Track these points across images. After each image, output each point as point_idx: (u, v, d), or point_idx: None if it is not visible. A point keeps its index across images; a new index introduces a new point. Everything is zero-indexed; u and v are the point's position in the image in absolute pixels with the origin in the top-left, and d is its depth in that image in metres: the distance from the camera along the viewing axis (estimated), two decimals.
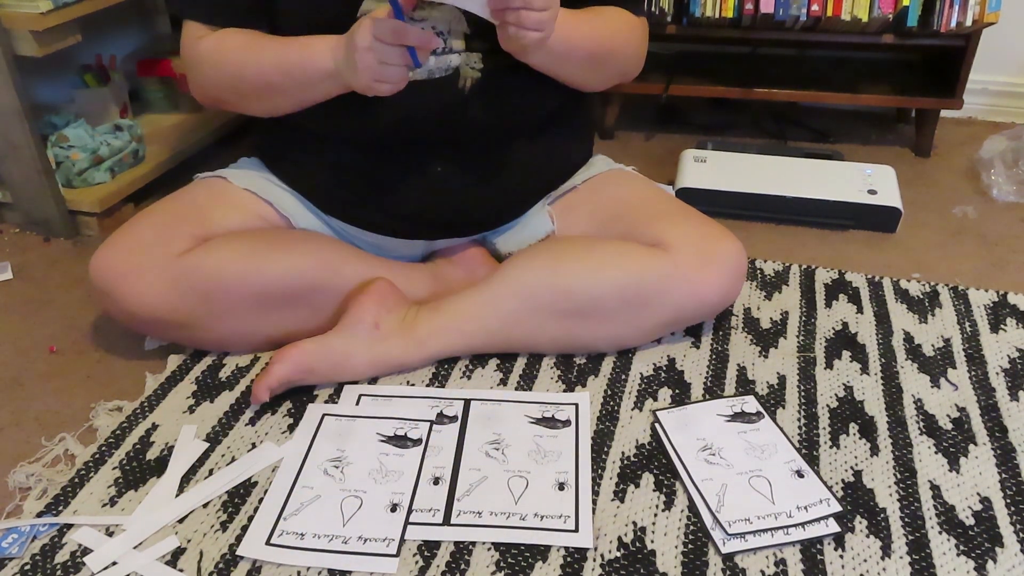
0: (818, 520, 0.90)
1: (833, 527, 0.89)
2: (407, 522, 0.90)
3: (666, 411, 1.05)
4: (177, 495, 0.94)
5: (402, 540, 0.88)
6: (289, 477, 0.96)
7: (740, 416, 1.04)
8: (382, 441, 1.01)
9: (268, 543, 0.88)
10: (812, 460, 0.98)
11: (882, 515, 0.91)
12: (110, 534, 0.89)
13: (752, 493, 0.93)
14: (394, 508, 0.92)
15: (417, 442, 1.01)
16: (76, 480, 0.96)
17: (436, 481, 0.95)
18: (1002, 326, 1.23)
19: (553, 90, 1.14)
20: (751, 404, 1.06)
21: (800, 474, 0.95)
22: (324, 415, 1.05)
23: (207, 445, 1.01)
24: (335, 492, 0.94)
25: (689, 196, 1.49)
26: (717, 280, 1.12)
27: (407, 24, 0.92)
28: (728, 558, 0.86)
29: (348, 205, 1.17)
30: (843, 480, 0.96)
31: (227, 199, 1.16)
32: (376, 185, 1.13)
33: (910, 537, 0.89)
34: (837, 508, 0.91)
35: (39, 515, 0.92)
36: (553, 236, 1.21)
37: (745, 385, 1.11)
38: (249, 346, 1.15)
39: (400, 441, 1.01)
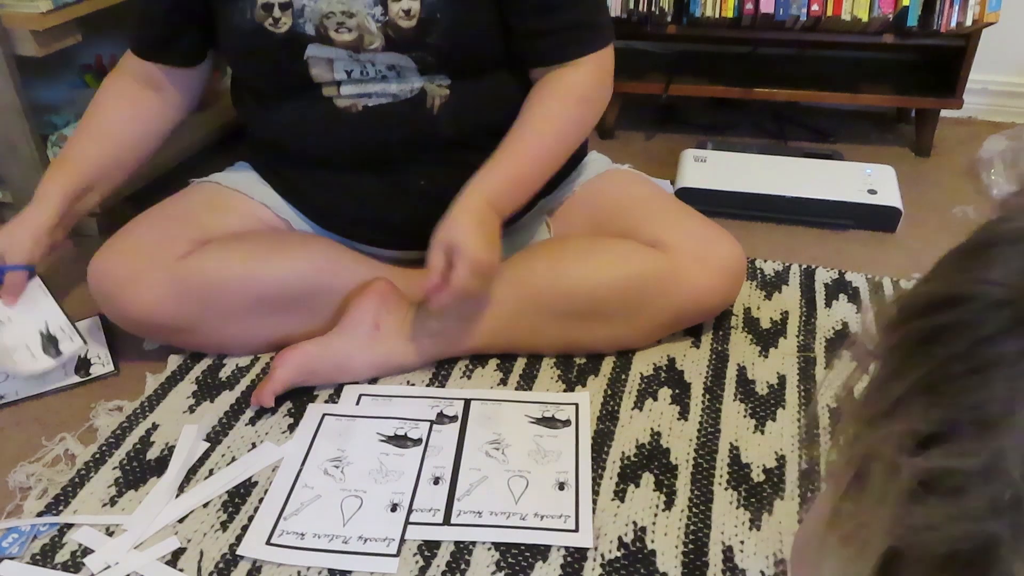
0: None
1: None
2: (407, 522, 0.90)
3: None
4: (177, 495, 0.94)
5: (402, 540, 0.88)
6: (289, 477, 0.96)
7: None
8: (382, 441, 1.01)
9: (268, 543, 0.88)
10: (812, 460, 0.98)
11: None
12: (110, 534, 0.89)
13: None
14: (394, 508, 0.92)
15: (417, 442, 1.01)
16: (76, 480, 0.96)
17: (436, 481, 0.95)
18: None
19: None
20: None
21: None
22: (324, 415, 1.05)
23: (207, 445, 1.01)
24: (335, 492, 0.94)
25: (689, 196, 1.49)
26: (716, 282, 1.12)
27: None
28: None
29: (341, 220, 1.17)
30: None
31: (225, 202, 1.16)
32: (364, 202, 1.13)
33: None
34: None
35: (39, 515, 0.92)
36: (552, 238, 1.21)
37: (745, 385, 1.11)
38: (249, 349, 1.15)
39: (400, 441, 1.01)
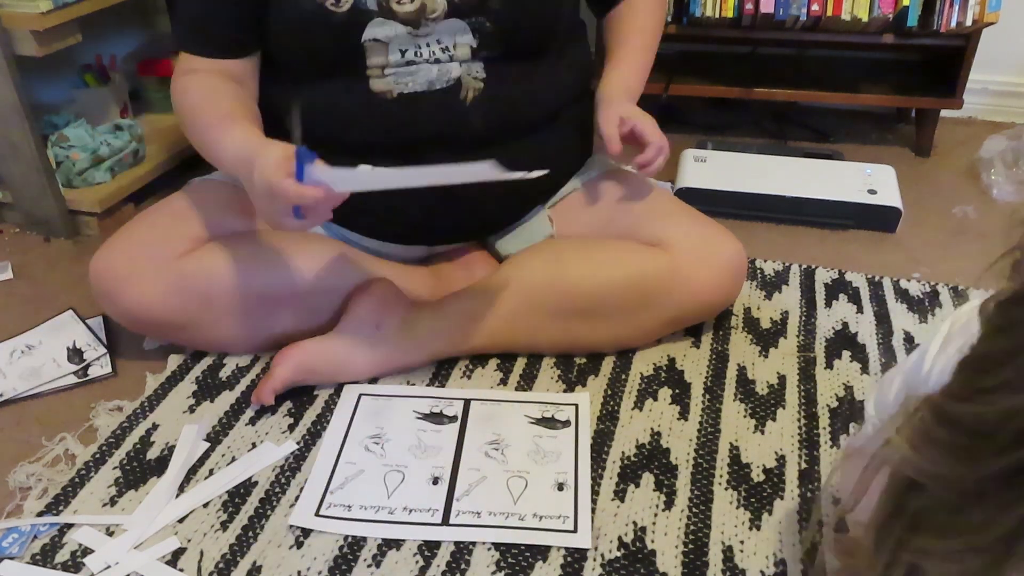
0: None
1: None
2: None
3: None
4: (177, 495, 0.94)
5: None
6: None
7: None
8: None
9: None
10: (812, 460, 0.99)
11: None
12: (110, 534, 0.89)
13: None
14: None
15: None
16: (76, 480, 0.96)
17: (435, 481, 0.95)
18: None
19: (553, 96, 1.14)
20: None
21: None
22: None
23: (207, 445, 1.01)
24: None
25: (689, 196, 1.49)
26: (717, 280, 1.12)
27: (303, 190, 0.88)
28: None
29: (348, 212, 1.16)
30: None
31: (226, 200, 1.16)
32: (376, 193, 1.12)
33: None
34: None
35: (39, 515, 0.92)
36: (553, 237, 1.21)
37: (745, 385, 1.11)
38: (249, 348, 1.15)
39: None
